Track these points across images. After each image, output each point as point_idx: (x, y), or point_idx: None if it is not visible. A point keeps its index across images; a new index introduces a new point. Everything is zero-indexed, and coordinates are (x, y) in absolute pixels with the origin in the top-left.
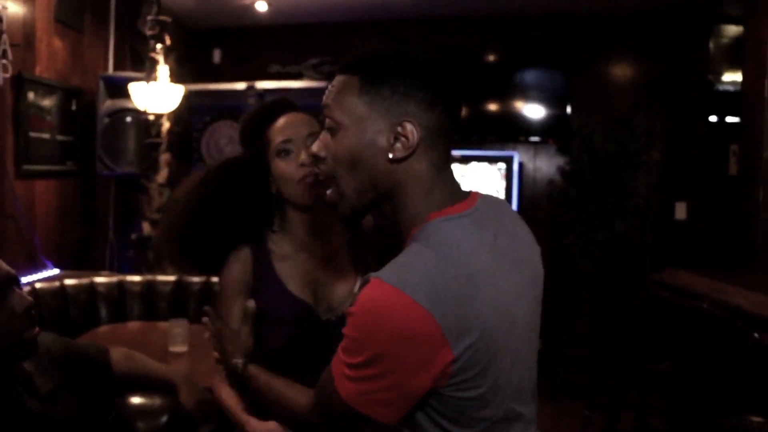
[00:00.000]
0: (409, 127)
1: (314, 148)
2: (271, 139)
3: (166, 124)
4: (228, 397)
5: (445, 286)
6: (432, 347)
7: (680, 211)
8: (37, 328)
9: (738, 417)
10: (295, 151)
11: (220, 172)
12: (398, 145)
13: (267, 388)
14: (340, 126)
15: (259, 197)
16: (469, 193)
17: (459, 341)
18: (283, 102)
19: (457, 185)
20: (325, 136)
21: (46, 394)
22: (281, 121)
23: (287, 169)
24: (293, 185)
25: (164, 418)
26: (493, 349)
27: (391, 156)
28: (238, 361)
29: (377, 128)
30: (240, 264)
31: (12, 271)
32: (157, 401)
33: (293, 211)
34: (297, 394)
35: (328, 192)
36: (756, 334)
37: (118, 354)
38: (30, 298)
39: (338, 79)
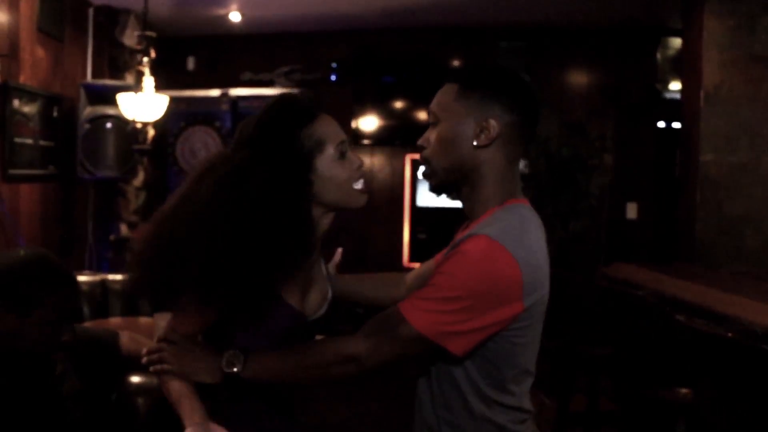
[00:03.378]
0: (491, 122)
1: (420, 139)
2: (324, 139)
3: (151, 132)
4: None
5: (530, 251)
6: (513, 296)
7: (631, 211)
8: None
9: (669, 390)
10: (349, 153)
11: (242, 178)
12: (482, 135)
13: (280, 361)
14: (437, 119)
15: (305, 210)
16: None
17: (529, 297)
18: (312, 102)
19: (520, 181)
20: (429, 131)
21: (59, 374)
22: (328, 122)
23: (344, 171)
24: (348, 189)
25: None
26: (541, 311)
27: (475, 143)
28: (234, 357)
29: (467, 122)
30: None
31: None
32: (155, 379)
33: (319, 213)
34: (320, 348)
35: (423, 169)
36: (679, 317)
37: (125, 337)
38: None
39: (445, 86)
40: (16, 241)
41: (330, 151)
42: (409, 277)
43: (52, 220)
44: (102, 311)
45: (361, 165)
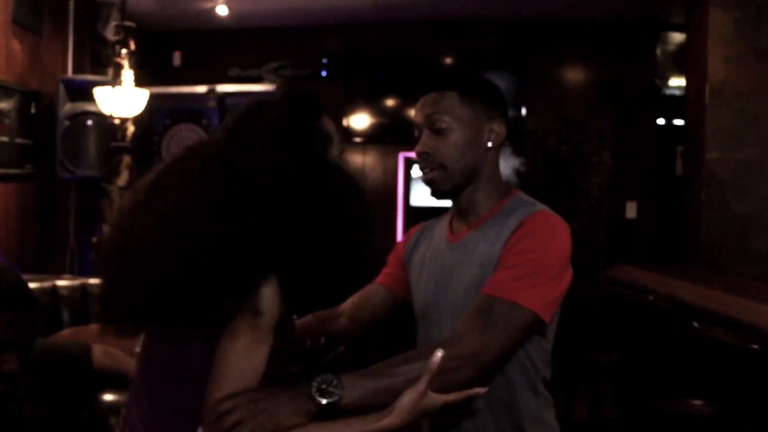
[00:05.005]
0: (497, 126)
1: (421, 147)
2: (331, 133)
3: (131, 128)
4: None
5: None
6: (569, 262)
7: (631, 210)
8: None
9: (680, 401)
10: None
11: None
12: (492, 137)
13: (380, 378)
14: (449, 128)
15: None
16: None
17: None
18: (318, 98)
19: None
20: (427, 137)
21: (22, 396)
22: (329, 119)
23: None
24: None
25: None
26: None
27: (490, 144)
28: (326, 383)
29: (476, 127)
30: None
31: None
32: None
33: None
34: (416, 357)
35: (433, 175)
36: (695, 324)
37: (98, 351)
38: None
39: (433, 96)
40: None
41: (335, 144)
42: (348, 303)
43: (31, 222)
44: (82, 317)
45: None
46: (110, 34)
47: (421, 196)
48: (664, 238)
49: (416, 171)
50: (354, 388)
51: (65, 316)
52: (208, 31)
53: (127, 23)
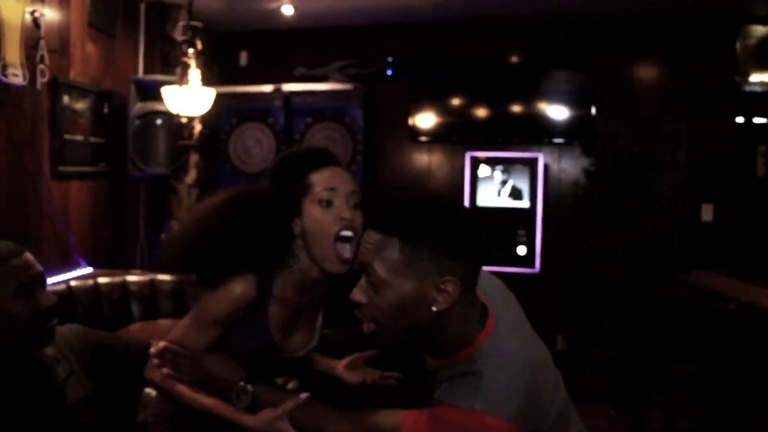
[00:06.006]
0: (450, 285)
1: (356, 296)
2: (312, 184)
3: (197, 127)
4: (209, 401)
5: (525, 399)
6: None
7: (707, 212)
8: (55, 320)
9: (764, 418)
10: (336, 203)
11: (247, 198)
12: (440, 298)
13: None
14: (383, 283)
15: (279, 235)
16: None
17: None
18: (328, 154)
19: (477, 297)
20: (365, 284)
21: (64, 377)
22: (328, 171)
23: (325, 218)
24: (326, 238)
25: None
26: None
27: (434, 309)
28: (243, 384)
29: (419, 285)
30: (239, 296)
31: (41, 270)
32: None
33: (306, 263)
34: (332, 423)
35: (367, 327)
36: None
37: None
38: (54, 298)
39: (375, 237)
40: (66, 240)
41: (315, 194)
42: None
43: (103, 219)
44: (151, 312)
45: (348, 216)
46: (178, 35)
47: (489, 196)
48: (743, 243)
49: (483, 170)
50: (264, 402)
51: (135, 310)
52: (274, 31)
53: (194, 23)
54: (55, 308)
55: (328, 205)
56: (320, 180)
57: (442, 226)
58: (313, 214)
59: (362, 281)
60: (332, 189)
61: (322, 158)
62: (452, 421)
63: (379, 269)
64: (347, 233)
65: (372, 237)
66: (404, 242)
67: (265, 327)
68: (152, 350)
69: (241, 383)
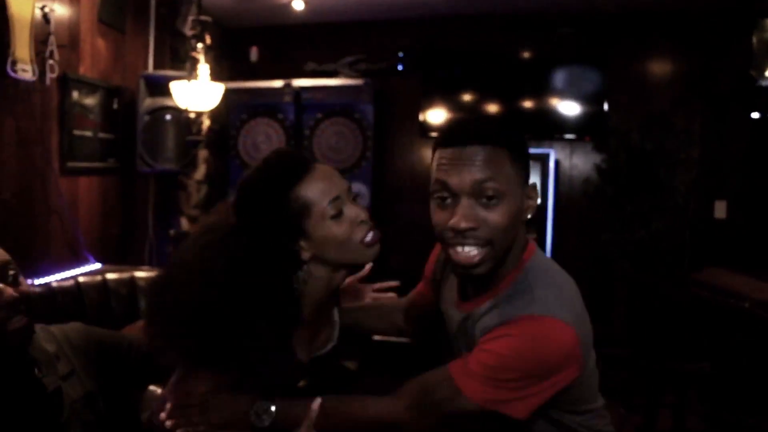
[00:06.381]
0: (534, 192)
1: (465, 222)
2: (311, 202)
3: (206, 122)
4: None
5: (578, 308)
6: (571, 363)
7: (720, 209)
8: (24, 319)
9: None
10: (345, 210)
11: (237, 250)
12: (530, 204)
13: (330, 413)
14: (502, 195)
15: (290, 276)
16: None
17: (585, 355)
18: (302, 158)
19: None
20: (470, 207)
21: (64, 375)
22: (318, 178)
23: (342, 230)
24: (351, 246)
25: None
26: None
27: (529, 216)
28: (264, 403)
29: (521, 193)
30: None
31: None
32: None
33: (327, 272)
34: (359, 407)
35: (479, 254)
36: None
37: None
38: (14, 293)
39: (483, 151)
40: (74, 236)
41: (319, 211)
42: (403, 303)
43: (112, 214)
44: None
45: (364, 217)
46: (187, 30)
47: None
48: (757, 241)
49: None
50: (285, 416)
51: (143, 306)
52: (285, 26)
53: (203, 17)
54: (16, 304)
55: (339, 216)
56: (317, 192)
57: (522, 136)
58: (325, 232)
59: (465, 206)
60: (337, 198)
61: (301, 163)
62: (510, 334)
63: (499, 181)
64: (370, 234)
65: (478, 152)
66: (512, 152)
67: (288, 354)
68: (163, 416)
69: (259, 403)
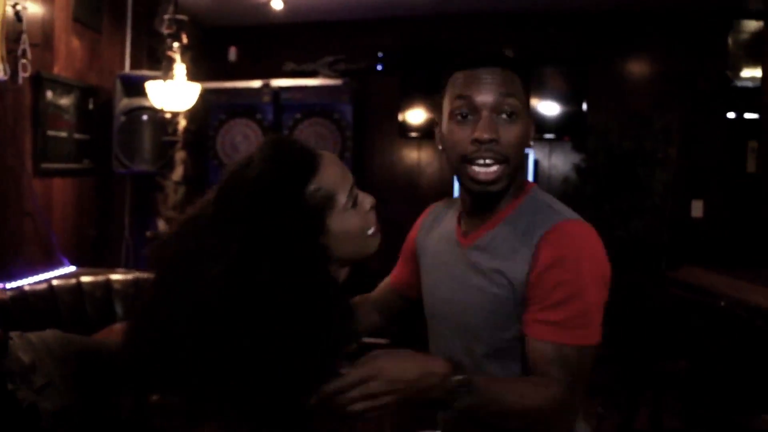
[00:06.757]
0: (532, 119)
1: (489, 134)
2: (333, 193)
3: (182, 122)
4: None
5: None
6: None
7: (697, 209)
8: None
9: (755, 417)
10: (360, 195)
11: (262, 258)
12: (531, 132)
13: (499, 393)
14: (518, 114)
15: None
16: None
17: None
18: (307, 146)
19: None
20: (491, 121)
21: (40, 387)
22: (331, 165)
23: (358, 220)
24: (362, 239)
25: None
26: None
27: (531, 143)
28: (463, 383)
29: (529, 115)
30: None
31: None
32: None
33: (333, 271)
34: (529, 391)
35: (497, 169)
36: None
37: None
38: None
39: (499, 73)
40: (48, 238)
41: (341, 202)
42: (373, 296)
43: (87, 216)
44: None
45: (373, 203)
46: (164, 28)
47: None
48: (733, 240)
49: None
50: (480, 396)
51: (118, 309)
52: (263, 26)
53: (180, 16)
54: None
55: (355, 205)
56: (337, 181)
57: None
58: (344, 225)
59: (487, 119)
60: (353, 185)
61: (310, 152)
62: (569, 255)
63: (517, 99)
64: (374, 226)
65: (497, 72)
66: (522, 77)
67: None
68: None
69: (458, 377)
